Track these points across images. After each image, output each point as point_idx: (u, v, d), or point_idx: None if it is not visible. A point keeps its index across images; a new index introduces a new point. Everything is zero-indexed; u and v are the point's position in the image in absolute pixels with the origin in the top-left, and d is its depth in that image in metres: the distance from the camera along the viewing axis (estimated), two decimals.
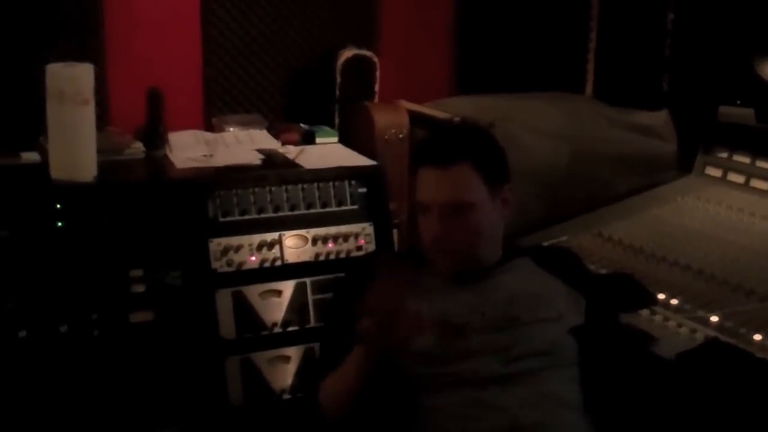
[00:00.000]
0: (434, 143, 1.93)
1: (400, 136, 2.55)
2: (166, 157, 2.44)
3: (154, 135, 2.44)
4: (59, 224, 2.13)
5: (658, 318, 2.04)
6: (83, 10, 2.61)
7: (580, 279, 1.95)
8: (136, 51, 2.71)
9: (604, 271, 2.23)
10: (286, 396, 2.25)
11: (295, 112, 2.87)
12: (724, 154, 2.74)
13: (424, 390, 1.76)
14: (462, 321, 1.79)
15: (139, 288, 2.16)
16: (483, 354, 1.75)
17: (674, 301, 2.08)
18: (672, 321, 2.01)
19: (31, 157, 2.40)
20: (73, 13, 2.60)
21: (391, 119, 2.58)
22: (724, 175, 2.72)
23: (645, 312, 2.05)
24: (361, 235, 2.38)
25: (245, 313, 2.23)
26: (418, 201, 1.88)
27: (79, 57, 2.38)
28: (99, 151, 2.24)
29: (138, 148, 2.46)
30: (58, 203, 2.14)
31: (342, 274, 2.16)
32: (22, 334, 2.04)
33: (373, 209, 2.41)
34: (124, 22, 2.68)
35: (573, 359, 1.82)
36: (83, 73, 2.20)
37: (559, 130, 2.76)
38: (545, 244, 2.35)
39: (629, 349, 1.93)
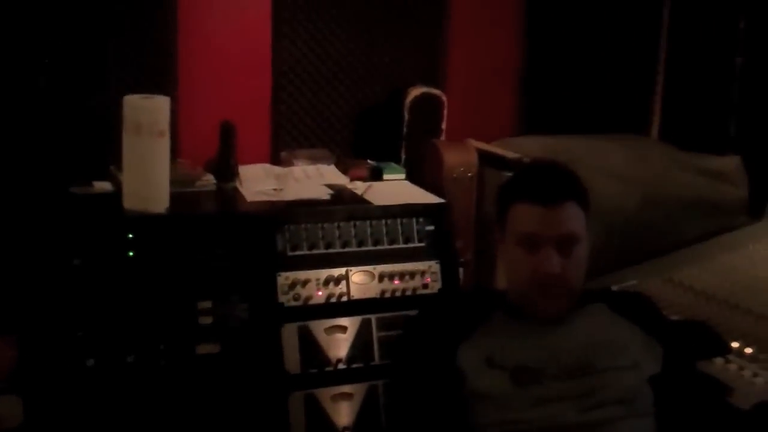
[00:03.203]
0: (540, 179, 1.90)
1: (469, 174, 2.55)
2: (236, 189, 2.46)
3: (226, 168, 2.47)
4: (130, 254, 2.15)
5: (732, 367, 1.99)
6: (158, 41, 2.67)
7: (657, 326, 1.91)
8: (206, 83, 2.75)
9: (675, 318, 2.19)
10: None
11: (362, 148, 2.89)
12: None
13: None
14: (538, 366, 1.76)
15: (207, 320, 2.17)
16: (559, 401, 1.72)
17: (749, 350, 2.04)
18: (747, 370, 1.97)
19: (103, 186, 2.43)
20: (148, 44, 2.66)
21: (459, 157, 2.57)
22: None
23: (719, 360, 2.01)
24: (427, 273, 2.36)
25: (310, 348, 2.22)
26: (522, 233, 1.82)
27: (152, 89, 2.42)
28: (171, 183, 2.27)
29: (209, 180, 2.49)
30: (131, 233, 2.16)
31: (408, 312, 2.14)
32: (90, 362, 2.06)
33: (439, 247, 2.40)
34: (197, 54, 2.73)
35: (649, 408, 1.78)
36: (160, 106, 2.23)
37: (628, 173, 2.73)
38: (615, 288, 2.31)
39: (706, 398, 1.88)
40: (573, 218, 1.82)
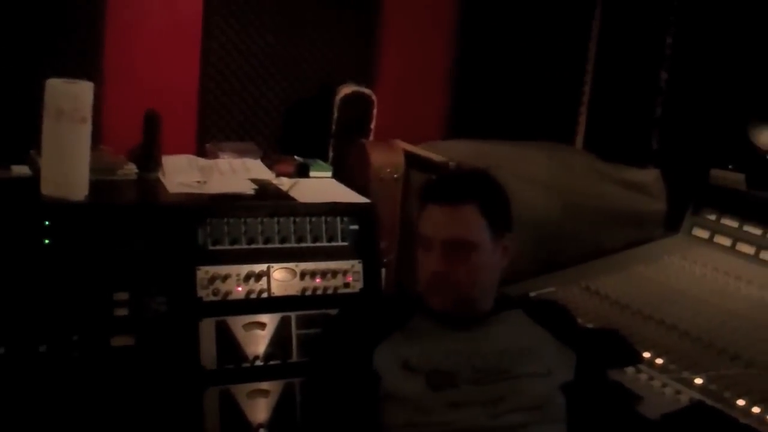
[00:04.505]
0: (445, 182, 1.96)
1: (395, 176, 2.55)
2: (158, 180, 2.42)
3: (149, 157, 2.43)
4: (46, 241, 2.09)
5: (643, 377, 2.04)
6: (85, 27, 2.60)
7: (570, 334, 1.95)
8: (133, 71, 2.70)
9: (590, 326, 2.23)
10: (263, 431, 2.21)
11: (289, 144, 2.87)
12: (713, 216, 2.77)
13: None
14: (452, 369, 1.78)
15: (123, 312, 2.12)
16: (472, 406, 1.74)
17: (659, 361, 2.09)
18: (657, 381, 2.02)
19: (21, 170, 2.37)
20: (74, 29, 2.59)
21: (386, 158, 2.58)
22: (712, 236, 2.75)
23: (630, 370, 2.06)
24: (349, 272, 2.36)
25: (228, 343, 2.20)
26: (420, 235, 1.89)
27: (77, 74, 2.35)
28: (91, 170, 2.21)
29: (131, 169, 2.44)
30: (47, 220, 2.10)
31: (329, 311, 2.14)
32: (1, 351, 2.00)
33: (363, 247, 2.39)
34: (124, 42, 2.68)
35: (561, 415, 1.81)
36: (83, 91, 2.17)
37: (551, 181, 2.78)
38: (533, 294, 2.35)
39: (616, 407, 1.92)
40: (467, 223, 1.85)
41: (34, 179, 2.23)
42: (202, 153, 2.72)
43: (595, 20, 3.36)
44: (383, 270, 2.44)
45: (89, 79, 2.28)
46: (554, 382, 1.82)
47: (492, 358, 1.81)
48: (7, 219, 2.06)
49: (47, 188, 2.17)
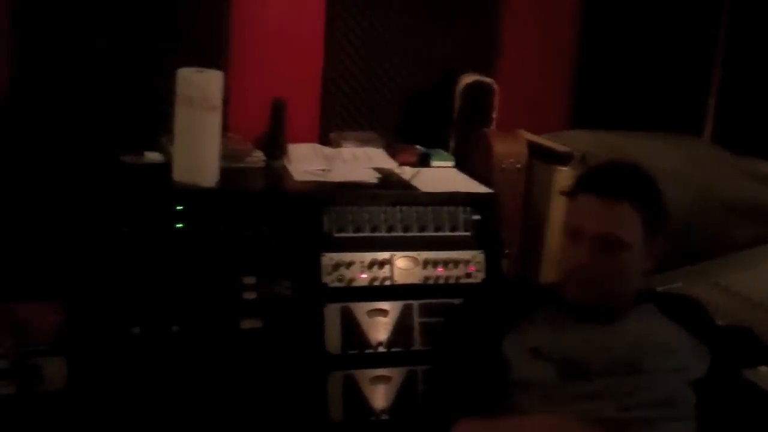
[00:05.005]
0: (604, 174, 1.89)
1: (518, 165, 2.53)
2: (284, 168, 2.46)
3: (275, 145, 2.48)
4: (178, 226, 2.17)
5: None
6: (211, 17, 2.67)
7: (706, 331, 1.89)
8: (258, 61, 2.76)
9: (721, 323, 2.16)
10: (385, 417, 2.23)
11: (409, 133, 2.88)
12: None
13: None
14: (585, 360, 1.75)
15: (251, 295, 2.18)
16: (602, 397, 1.72)
17: None
18: None
19: (154, 157, 2.45)
20: (201, 20, 2.66)
21: (509, 148, 2.56)
22: None
23: (764, 369, 1.98)
24: (471, 263, 2.36)
25: (351, 329, 2.23)
26: (571, 225, 1.84)
27: (204, 63, 2.41)
28: (220, 158, 2.27)
29: (258, 157, 2.50)
30: (179, 205, 2.18)
31: (450, 300, 2.14)
32: (136, 330, 2.09)
33: (485, 237, 2.39)
34: (250, 31, 2.73)
35: (690, 412, 1.76)
36: (214, 80, 2.24)
37: (680, 173, 2.69)
38: (660, 289, 2.29)
39: (748, 407, 1.86)
40: (623, 221, 1.79)
41: (166, 165, 2.31)
42: (324, 141, 2.76)
43: (724, 8, 3.24)
44: (505, 261, 2.43)
45: (216, 67, 2.34)
46: (687, 378, 1.78)
47: (625, 351, 1.77)
48: (141, 203, 2.15)
49: (179, 174, 2.25)
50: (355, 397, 2.22)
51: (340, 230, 2.29)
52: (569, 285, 1.84)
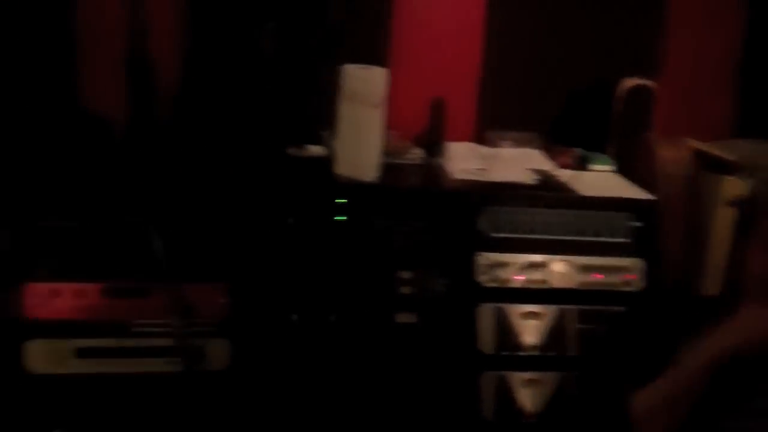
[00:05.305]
0: None
1: (683, 174, 2.46)
2: (442, 166, 2.48)
3: (434, 144, 2.49)
4: (339, 218, 2.22)
5: None
6: (373, 14, 2.71)
7: None
8: (418, 59, 2.78)
9: None
10: (535, 420, 2.22)
11: (566, 136, 2.84)
12: None
13: None
14: None
15: (406, 290, 2.21)
16: None
17: None
18: None
19: (316, 150, 2.51)
20: (363, 17, 2.71)
21: (673, 155, 2.48)
22: None
23: None
24: (630, 270, 2.30)
25: (505, 330, 2.22)
26: None
27: (365, 59, 2.43)
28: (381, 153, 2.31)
29: (417, 154, 2.52)
30: (341, 198, 2.22)
31: (608, 307, 2.10)
32: (294, 317, 2.15)
33: (645, 245, 2.33)
34: (410, 29, 2.76)
35: None
36: (378, 77, 2.28)
37: None
38: None
39: None
40: None
41: (327, 159, 2.37)
42: (480, 140, 2.76)
43: None
44: (666, 271, 2.37)
45: (376, 64, 2.37)
46: None
47: None
48: (305, 195, 2.21)
49: (341, 168, 2.30)
50: (507, 398, 2.21)
51: (497, 230, 2.28)
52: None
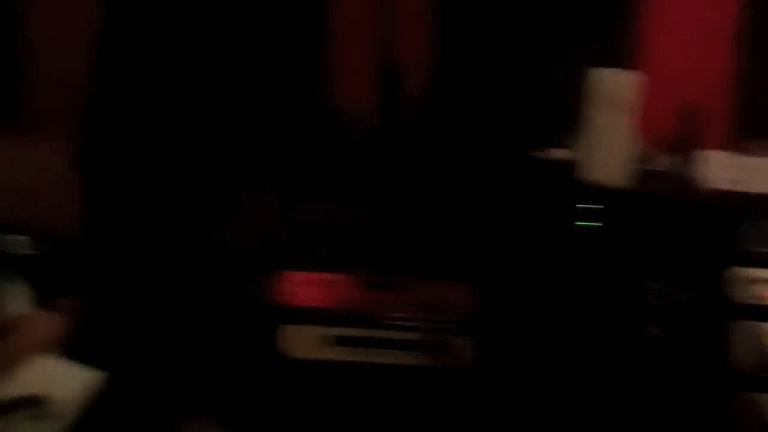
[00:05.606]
0: None
1: None
2: (695, 175, 2.39)
3: (686, 152, 2.41)
4: (587, 224, 2.19)
5: None
6: (618, 17, 2.65)
7: None
8: (665, 63, 2.69)
9: None
10: None
11: None
12: None
13: None
14: None
15: (655, 301, 2.15)
16: None
17: None
18: None
19: (560, 154, 2.49)
20: (609, 20, 2.65)
21: None
22: None
23: None
24: None
25: (760, 350, 2.11)
26: None
27: (609, 63, 2.39)
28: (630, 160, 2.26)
29: (667, 161, 2.44)
30: (587, 203, 2.20)
31: None
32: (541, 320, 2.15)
33: None
34: (657, 32, 2.67)
35: None
36: (628, 81, 2.26)
37: None
38: None
39: None
40: None
41: (572, 163, 2.34)
42: (736, 149, 2.62)
43: None
44: None
45: (621, 67, 2.32)
46: None
47: None
48: (550, 200, 2.22)
49: (588, 173, 2.26)
50: (758, 422, 2.10)
51: (756, 245, 2.17)
52: None
